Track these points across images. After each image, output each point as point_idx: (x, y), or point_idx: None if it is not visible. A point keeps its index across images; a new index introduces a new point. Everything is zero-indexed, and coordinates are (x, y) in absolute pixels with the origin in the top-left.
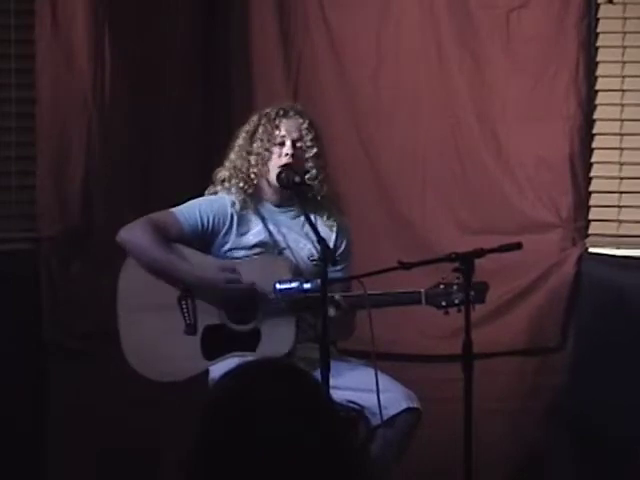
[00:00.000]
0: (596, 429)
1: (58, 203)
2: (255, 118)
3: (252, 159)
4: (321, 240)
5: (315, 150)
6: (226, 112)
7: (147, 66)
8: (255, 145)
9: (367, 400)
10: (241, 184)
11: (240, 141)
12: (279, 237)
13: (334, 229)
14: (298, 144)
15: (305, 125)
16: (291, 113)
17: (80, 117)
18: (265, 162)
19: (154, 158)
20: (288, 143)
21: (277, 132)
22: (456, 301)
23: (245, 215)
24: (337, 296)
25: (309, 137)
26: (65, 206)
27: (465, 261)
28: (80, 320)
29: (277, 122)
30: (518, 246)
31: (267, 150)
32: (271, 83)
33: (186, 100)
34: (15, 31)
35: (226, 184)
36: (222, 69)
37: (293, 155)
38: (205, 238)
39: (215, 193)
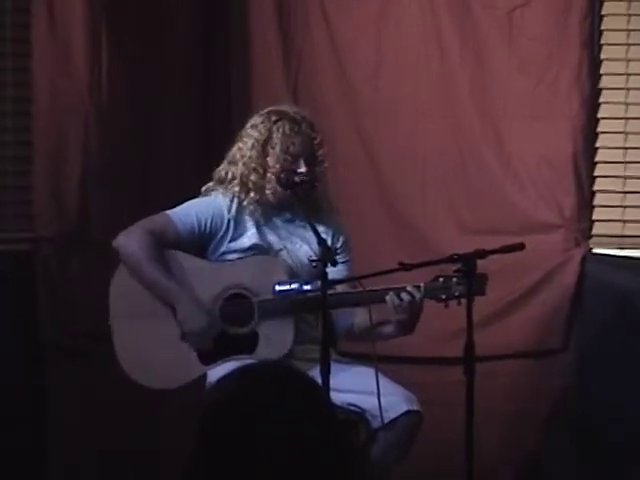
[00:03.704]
0: (600, 432)
1: (55, 203)
2: (263, 127)
3: (269, 176)
4: (322, 241)
5: (325, 166)
6: (226, 111)
7: (146, 64)
8: (270, 160)
9: (367, 403)
10: (252, 194)
11: (252, 151)
12: (273, 238)
13: (330, 227)
14: (310, 160)
15: (317, 141)
16: (304, 127)
17: (77, 116)
18: (278, 177)
19: (153, 157)
20: (302, 163)
21: (292, 148)
22: (456, 293)
23: (240, 218)
24: (409, 287)
25: (320, 152)
26: (62, 206)
27: (467, 262)
28: (78, 320)
29: (292, 139)
30: (521, 247)
31: (283, 170)
32: (271, 82)
33: (185, 99)
34: (11, 29)
35: (236, 200)
36: (222, 68)
37: (307, 173)
38: (201, 241)
39: (211, 191)
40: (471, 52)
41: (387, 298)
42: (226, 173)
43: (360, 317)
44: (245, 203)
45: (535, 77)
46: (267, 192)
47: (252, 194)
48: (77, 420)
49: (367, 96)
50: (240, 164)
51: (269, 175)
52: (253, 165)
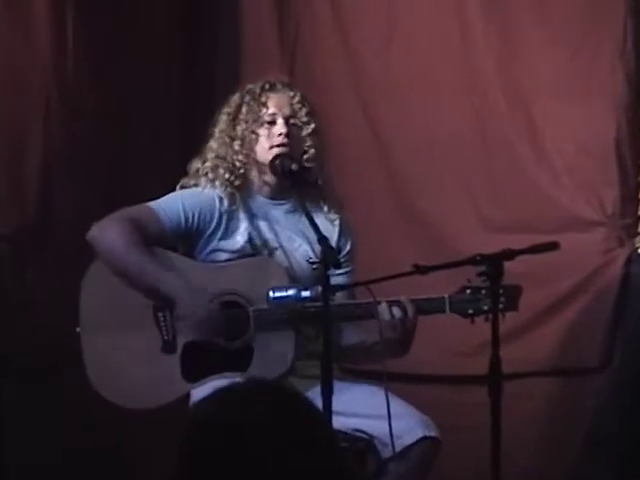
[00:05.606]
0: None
1: (12, 197)
2: (236, 97)
3: (236, 145)
4: (322, 239)
5: (313, 126)
6: (210, 90)
7: (118, 38)
8: (239, 128)
9: (377, 428)
10: (226, 175)
11: (222, 125)
12: (270, 235)
13: (336, 225)
14: (292, 121)
15: (297, 98)
16: (279, 86)
17: (39, 97)
18: (252, 147)
19: (126, 143)
20: (280, 121)
21: (264, 110)
22: (485, 308)
23: (234, 212)
24: (403, 299)
25: (304, 111)
26: (20, 200)
27: (492, 264)
28: (36, 333)
29: (263, 99)
30: (554, 246)
31: (253, 132)
32: (263, 57)
33: (165, 76)
34: None
35: (210, 175)
36: (208, 41)
37: (288, 134)
38: (188, 238)
39: (195, 185)
40: (496, 22)
41: (379, 312)
42: (203, 162)
43: (348, 334)
44: (238, 194)
45: (571, 50)
46: (259, 181)
47: (232, 177)
48: (33, 450)
49: (376, 73)
50: (213, 144)
51: (247, 153)
52: (224, 139)
